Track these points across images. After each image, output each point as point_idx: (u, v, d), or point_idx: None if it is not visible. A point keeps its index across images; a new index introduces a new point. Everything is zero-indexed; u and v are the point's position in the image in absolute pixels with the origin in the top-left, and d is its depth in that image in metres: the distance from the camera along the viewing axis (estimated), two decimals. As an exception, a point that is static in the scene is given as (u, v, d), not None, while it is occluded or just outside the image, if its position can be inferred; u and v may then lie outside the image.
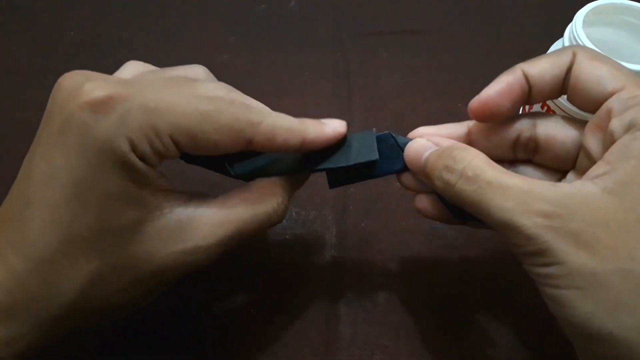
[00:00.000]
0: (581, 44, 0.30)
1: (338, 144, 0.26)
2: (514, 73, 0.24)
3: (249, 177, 0.26)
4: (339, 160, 0.26)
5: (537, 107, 0.34)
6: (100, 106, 0.20)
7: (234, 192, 0.25)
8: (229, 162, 0.26)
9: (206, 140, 0.22)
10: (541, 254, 0.19)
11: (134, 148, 0.21)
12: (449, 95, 0.43)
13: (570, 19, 0.32)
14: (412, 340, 0.31)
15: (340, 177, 0.27)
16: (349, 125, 0.26)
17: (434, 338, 0.31)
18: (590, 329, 0.19)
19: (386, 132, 0.27)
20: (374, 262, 0.34)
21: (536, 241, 0.19)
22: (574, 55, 0.23)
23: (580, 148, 0.24)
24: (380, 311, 0.32)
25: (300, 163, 0.27)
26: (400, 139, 0.26)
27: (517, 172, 0.23)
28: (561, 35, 0.33)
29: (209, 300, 0.32)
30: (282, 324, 0.31)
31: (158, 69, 0.26)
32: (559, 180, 0.25)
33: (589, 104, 0.23)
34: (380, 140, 0.26)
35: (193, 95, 0.23)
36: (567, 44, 0.32)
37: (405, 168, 0.26)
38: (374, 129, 0.27)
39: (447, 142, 0.25)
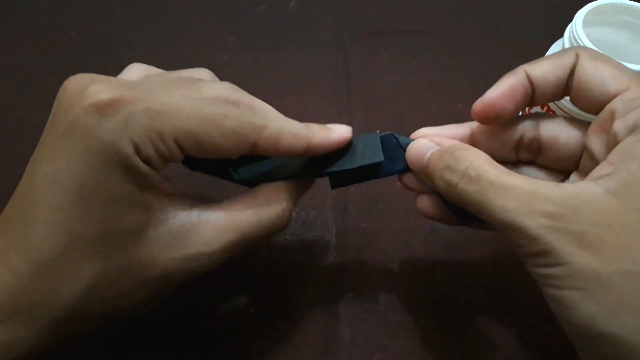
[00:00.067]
0: (581, 44, 0.30)
1: (343, 149, 0.26)
2: (516, 75, 0.24)
3: (253, 182, 0.26)
4: (344, 164, 0.26)
5: (537, 108, 0.34)
6: (105, 109, 0.20)
7: (239, 198, 0.25)
8: (232, 166, 0.26)
9: (210, 144, 0.22)
10: (544, 254, 0.19)
11: (138, 151, 0.21)
12: (449, 95, 0.43)
13: (570, 19, 0.32)
14: (412, 340, 0.31)
15: (343, 179, 0.27)
16: (349, 126, 0.26)
17: (434, 338, 0.31)
18: (593, 329, 0.19)
19: (388, 132, 0.26)
20: (374, 262, 0.34)
21: (539, 242, 0.19)
22: (577, 56, 0.23)
23: (584, 149, 0.24)
24: (380, 311, 0.32)
25: (305, 167, 0.27)
26: (402, 139, 0.26)
27: (520, 173, 0.23)
28: (561, 35, 0.33)
29: (209, 300, 0.32)
30: (282, 324, 0.31)
31: (163, 71, 0.26)
32: (562, 181, 0.25)
33: (592, 106, 0.23)
34: (382, 140, 0.26)
35: (198, 97, 0.23)
36: (567, 44, 0.32)
37: (407, 168, 0.26)
38: (378, 131, 0.27)
39: (449, 143, 0.25)
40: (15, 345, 0.21)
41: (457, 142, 0.25)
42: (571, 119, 0.25)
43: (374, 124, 0.41)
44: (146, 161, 0.21)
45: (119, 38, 0.49)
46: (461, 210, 0.23)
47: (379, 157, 0.26)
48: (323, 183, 0.28)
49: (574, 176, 0.24)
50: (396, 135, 0.26)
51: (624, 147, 0.20)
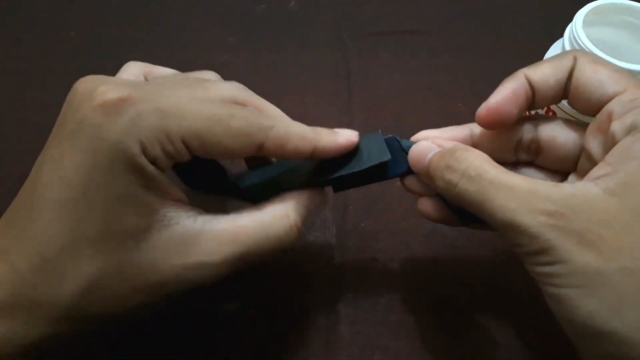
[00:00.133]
0: (581, 44, 0.30)
1: (349, 153, 0.26)
2: (517, 79, 0.24)
3: (258, 193, 0.26)
4: (352, 167, 0.26)
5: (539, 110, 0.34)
6: (113, 108, 0.20)
7: (246, 211, 0.24)
8: (235, 178, 0.26)
9: (218, 143, 0.22)
10: (544, 252, 0.19)
11: (144, 151, 0.21)
12: (449, 95, 0.43)
13: (570, 19, 0.32)
14: (412, 340, 0.31)
15: (348, 183, 0.27)
16: (349, 126, 0.26)
17: (434, 338, 0.31)
18: (594, 327, 0.19)
19: (390, 135, 0.26)
20: (374, 262, 0.34)
21: (539, 240, 0.19)
22: (575, 59, 0.23)
23: (582, 150, 0.24)
24: (380, 311, 0.32)
25: (312, 174, 0.26)
26: (404, 142, 0.26)
27: (519, 173, 0.24)
28: (561, 35, 0.33)
29: (208, 300, 0.32)
30: (282, 324, 0.31)
31: (163, 69, 0.26)
32: (560, 182, 0.25)
33: (590, 107, 0.23)
34: (385, 143, 0.26)
35: (205, 98, 0.23)
36: (567, 44, 0.32)
37: (409, 171, 0.26)
38: (380, 130, 0.27)
39: (450, 145, 0.25)
40: (13, 341, 0.21)
41: (457, 144, 0.25)
42: (569, 121, 0.25)
43: (374, 124, 0.41)
44: (153, 161, 0.21)
45: (119, 38, 0.49)
46: (463, 212, 0.23)
47: (386, 156, 0.26)
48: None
49: (572, 177, 0.25)
50: (398, 139, 0.26)
51: (621, 148, 0.20)
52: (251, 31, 0.50)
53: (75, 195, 0.20)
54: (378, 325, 0.31)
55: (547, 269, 0.20)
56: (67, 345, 0.23)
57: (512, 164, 0.27)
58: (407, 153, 0.26)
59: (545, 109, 0.33)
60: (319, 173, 0.26)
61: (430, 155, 0.25)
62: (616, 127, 0.21)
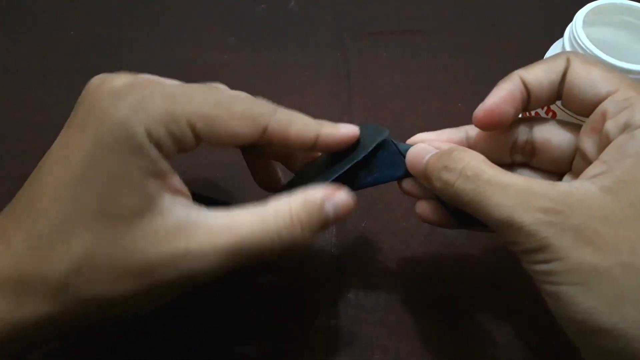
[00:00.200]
0: (581, 44, 0.30)
1: (352, 147, 0.26)
2: (512, 80, 0.24)
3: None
4: (356, 156, 0.26)
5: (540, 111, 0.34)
6: (120, 92, 0.22)
7: (246, 205, 0.24)
8: None
9: (223, 125, 0.23)
10: (541, 250, 0.20)
11: (149, 134, 0.21)
12: (449, 95, 0.43)
13: (570, 19, 0.32)
14: (412, 340, 0.31)
15: (359, 178, 0.27)
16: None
17: (434, 338, 0.31)
18: (592, 324, 0.19)
19: (387, 139, 0.26)
20: (374, 262, 0.34)
21: (536, 237, 0.19)
22: (568, 60, 0.23)
23: (576, 151, 0.24)
24: (380, 311, 0.32)
25: (320, 173, 0.27)
26: (401, 145, 0.26)
27: None
28: (561, 35, 0.33)
29: (208, 300, 0.32)
30: (282, 323, 0.31)
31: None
32: None
33: (583, 108, 0.23)
34: (381, 147, 0.26)
35: (210, 91, 0.24)
36: (567, 44, 0.32)
37: (406, 174, 0.26)
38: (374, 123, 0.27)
39: (447, 146, 0.25)
40: (3, 319, 0.21)
41: (454, 145, 0.26)
42: (563, 122, 0.25)
43: (374, 124, 0.41)
44: (157, 145, 0.21)
45: (119, 38, 0.49)
46: (461, 214, 0.23)
47: (385, 134, 0.26)
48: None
49: (567, 177, 0.25)
50: (395, 142, 0.26)
51: (616, 146, 0.21)
52: (251, 31, 0.50)
53: (76, 174, 0.21)
54: (378, 325, 0.31)
55: (544, 266, 0.20)
56: (63, 337, 0.22)
57: (508, 166, 0.27)
58: (404, 156, 0.26)
59: (545, 108, 0.33)
60: (328, 172, 0.26)
61: (427, 157, 0.25)
62: (610, 126, 0.21)
